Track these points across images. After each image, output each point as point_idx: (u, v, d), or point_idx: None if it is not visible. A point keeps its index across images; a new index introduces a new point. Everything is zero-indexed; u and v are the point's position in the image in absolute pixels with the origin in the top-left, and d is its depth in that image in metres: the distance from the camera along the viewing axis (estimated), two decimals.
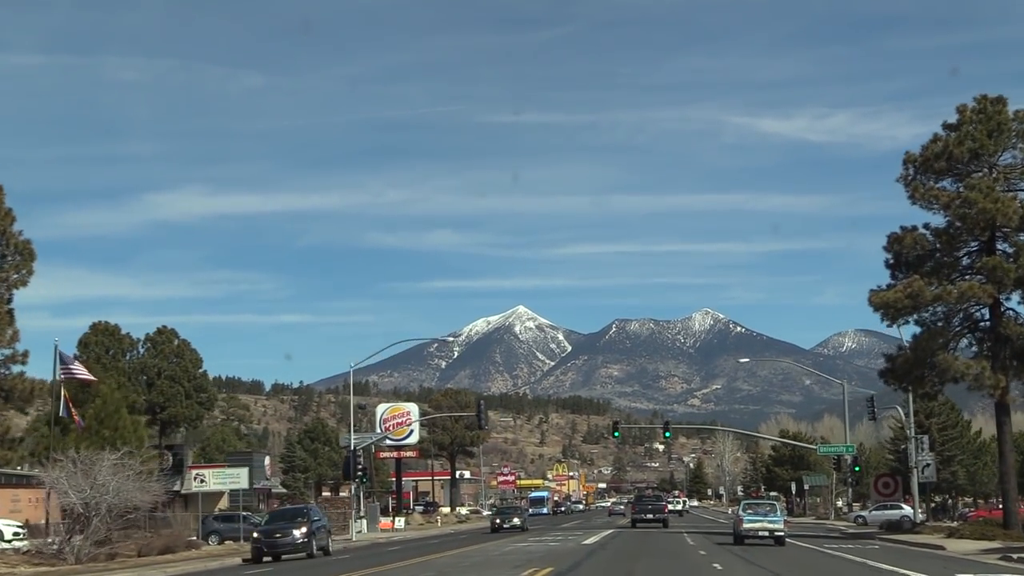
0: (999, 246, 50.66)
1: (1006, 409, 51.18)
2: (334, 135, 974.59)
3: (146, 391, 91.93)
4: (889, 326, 52.15)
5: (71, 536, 40.97)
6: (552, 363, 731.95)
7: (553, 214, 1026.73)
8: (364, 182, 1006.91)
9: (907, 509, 78.14)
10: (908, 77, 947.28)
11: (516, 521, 68.36)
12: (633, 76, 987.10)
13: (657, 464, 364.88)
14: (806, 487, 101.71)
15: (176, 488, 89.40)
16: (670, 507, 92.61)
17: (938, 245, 51.73)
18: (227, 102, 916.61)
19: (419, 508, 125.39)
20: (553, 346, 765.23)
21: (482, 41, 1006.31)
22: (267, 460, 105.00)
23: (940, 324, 51.43)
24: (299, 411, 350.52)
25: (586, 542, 50.09)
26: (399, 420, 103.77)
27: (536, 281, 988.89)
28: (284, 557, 42.34)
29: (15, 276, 48.69)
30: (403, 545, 55.17)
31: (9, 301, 48.68)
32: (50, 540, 42.18)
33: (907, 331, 53.81)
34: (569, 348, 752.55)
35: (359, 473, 66.25)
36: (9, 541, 46.77)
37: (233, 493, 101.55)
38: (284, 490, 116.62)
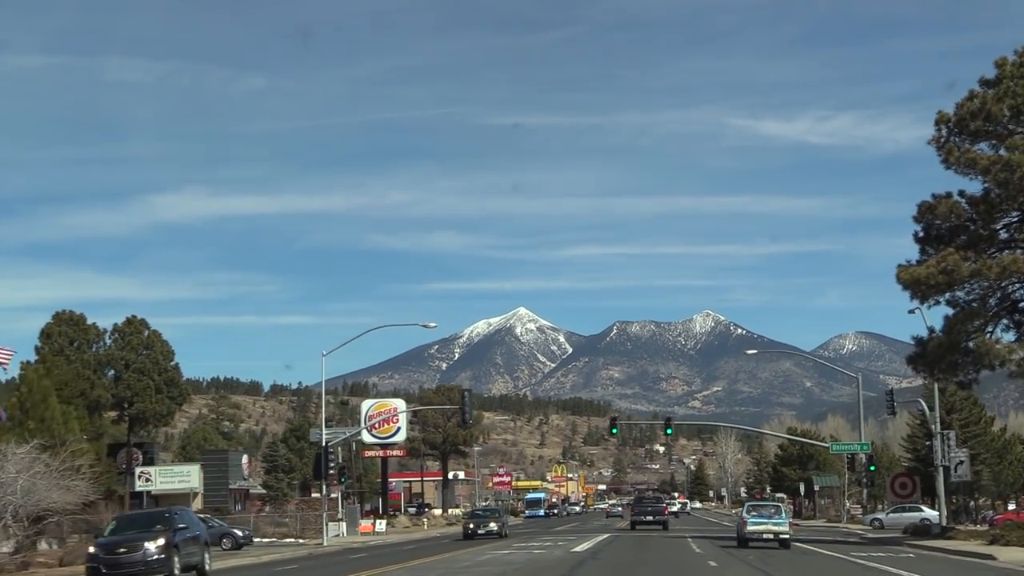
0: None
1: None
2: (336, 137, 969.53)
3: (113, 385, 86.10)
4: (919, 306, 46.28)
5: None
6: (553, 365, 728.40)
7: (555, 216, 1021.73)
8: (366, 184, 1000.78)
9: (927, 511, 72.86)
10: (911, 80, 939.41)
11: (493, 526, 59.89)
12: (636, 78, 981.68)
13: (657, 466, 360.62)
14: (816, 488, 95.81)
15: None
16: (670, 509, 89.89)
17: (974, 215, 45.95)
18: (229, 104, 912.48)
19: (412, 510, 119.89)
20: (554, 348, 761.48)
21: (485, 43, 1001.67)
22: (245, 459, 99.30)
23: (975, 304, 45.60)
24: (298, 412, 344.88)
25: (577, 549, 44.10)
26: (385, 417, 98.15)
27: (537, 283, 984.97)
28: None
29: None
30: (371, 552, 49.42)
31: None
32: None
33: (932, 315, 47.90)
34: (570, 350, 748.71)
35: (330, 471, 60.35)
36: None
37: (211, 492, 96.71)
38: (264, 491, 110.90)
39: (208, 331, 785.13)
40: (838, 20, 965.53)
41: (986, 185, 45.18)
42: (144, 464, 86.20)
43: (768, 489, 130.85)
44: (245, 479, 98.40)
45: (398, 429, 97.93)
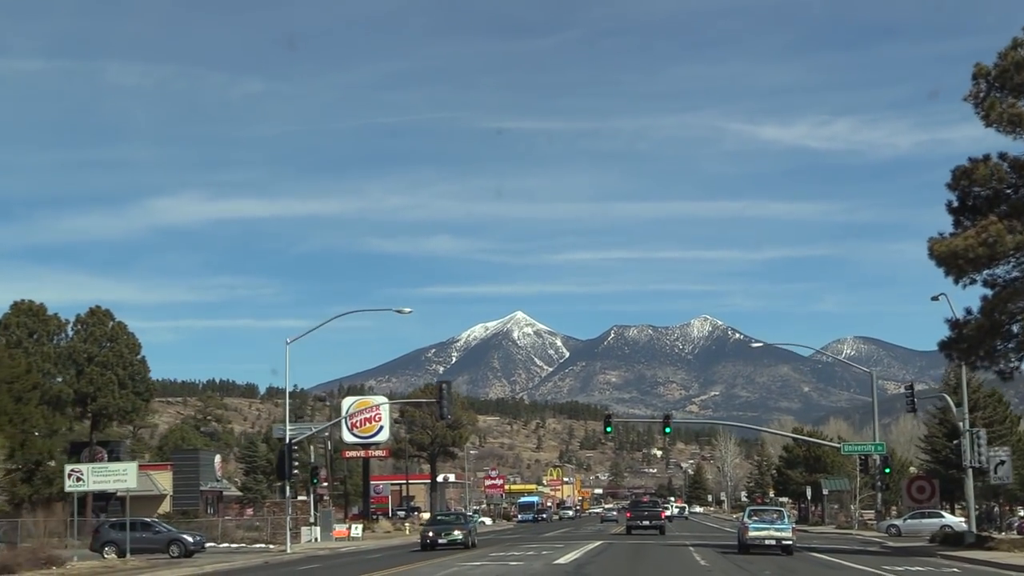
0: None
1: None
2: (333, 141, 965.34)
3: (75, 379, 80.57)
4: (954, 282, 40.67)
5: None
6: (550, 369, 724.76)
7: (552, 220, 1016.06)
8: (363, 188, 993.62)
9: (949, 517, 67.58)
10: (908, 85, 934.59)
11: (457, 535, 50.50)
12: (633, 83, 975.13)
13: (655, 470, 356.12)
14: (825, 492, 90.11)
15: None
16: (666, 513, 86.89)
17: (1017, 180, 40.41)
18: (227, 108, 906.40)
19: (401, 513, 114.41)
20: (551, 352, 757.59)
21: (482, 48, 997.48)
22: (217, 459, 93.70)
23: (1019, 282, 40.05)
24: (293, 415, 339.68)
25: (561, 560, 38.15)
26: (367, 415, 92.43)
27: (535, 287, 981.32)
28: None
29: None
30: (327, 563, 43.64)
31: None
32: None
33: (966, 296, 42.27)
34: (567, 354, 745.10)
35: (295, 470, 54.70)
36: None
37: (180, 494, 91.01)
38: (239, 492, 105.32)
39: (205, 334, 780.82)
40: (836, 25, 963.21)
41: None
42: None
43: (772, 493, 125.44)
44: (218, 480, 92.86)
45: (380, 428, 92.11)
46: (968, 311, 41.67)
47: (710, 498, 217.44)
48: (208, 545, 60.78)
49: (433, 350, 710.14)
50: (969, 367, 43.77)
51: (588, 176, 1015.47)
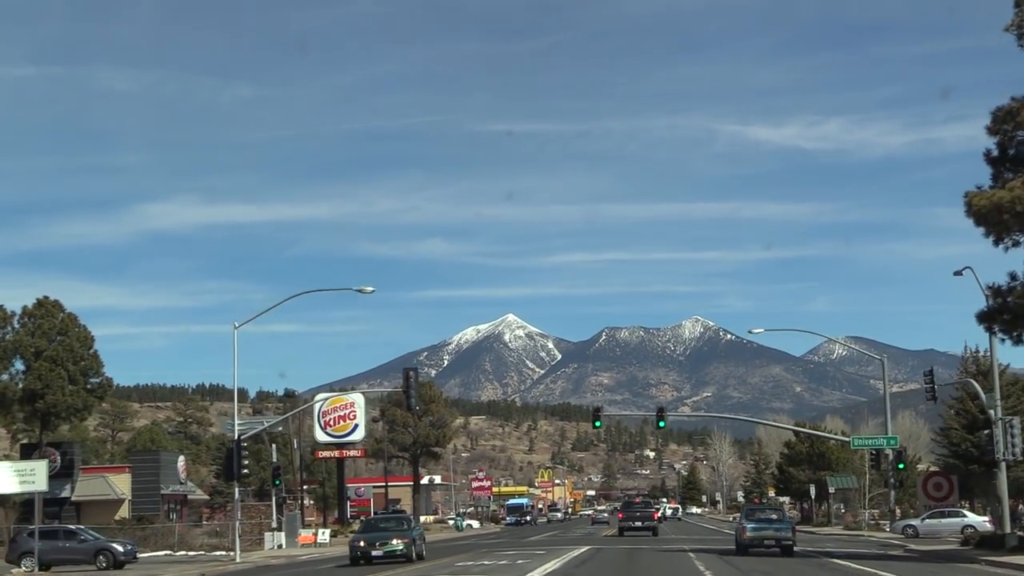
0: None
1: None
2: (325, 145, 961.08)
3: (22, 376, 74.52)
4: (995, 243, 34.87)
5: None
6: (542, 371, 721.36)
7: (544, 223, 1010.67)
8: (355, 192, 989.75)
9: (972, 517, 61.97)
10: (899, 85, 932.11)
11: (397, 544, 39.71)
12: (625, 85, 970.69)
13: (648, 471, 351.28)
14: (831, 490, 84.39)
15: (64, 495, 72.90)
16: (659, 513, 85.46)
17: None
18: (218, 112, 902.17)
19: None
20: (543, 354, 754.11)
21: (473, 51, 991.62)
22: (181, 460, 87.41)
23: None
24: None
25: (533, 574, 31.40)
26: (341, 413, 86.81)
27: (526, 290, 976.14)
28: None
29: None
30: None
31: None
32: None
33: (1009, 260, 36.43)
34: (559, 356, 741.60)
35: (244, 470, 48.82)
36: None
37: (139, 499, 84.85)
38: (206, 496, 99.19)
39: (197, 339, 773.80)
40: (827, 25, 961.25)
41: None
42: (63, 467, 74.25)
43: (772, 492, 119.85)
44: (182, 483, 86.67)
45: (355, 427, 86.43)
46: (1012, 276, 35.86)
47: (705, 499, 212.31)
48: (162, 554, 55.23)
49: (425, 353, 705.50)
50: (1014, 341, 38.04)
51: (579, 178, 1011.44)
